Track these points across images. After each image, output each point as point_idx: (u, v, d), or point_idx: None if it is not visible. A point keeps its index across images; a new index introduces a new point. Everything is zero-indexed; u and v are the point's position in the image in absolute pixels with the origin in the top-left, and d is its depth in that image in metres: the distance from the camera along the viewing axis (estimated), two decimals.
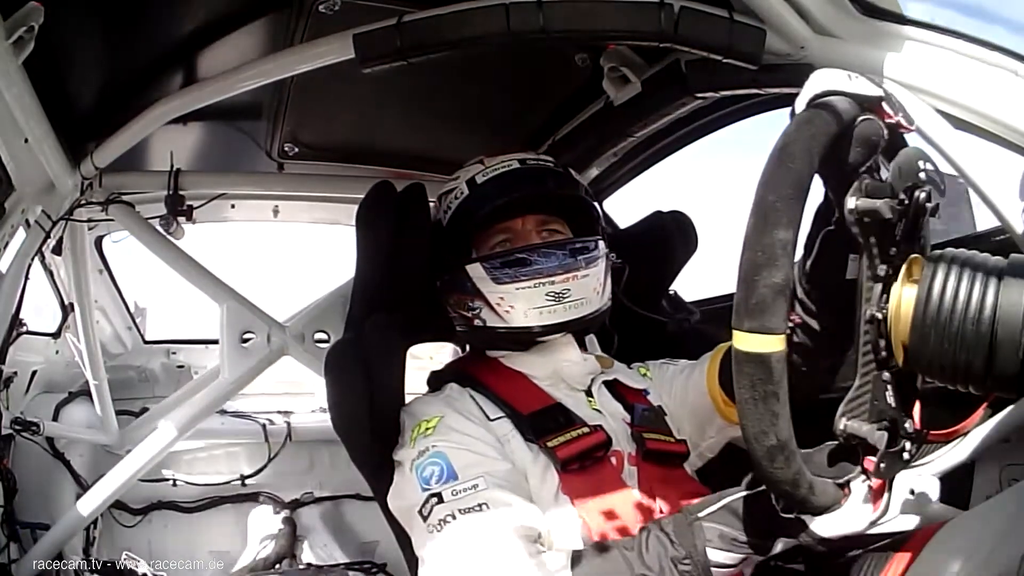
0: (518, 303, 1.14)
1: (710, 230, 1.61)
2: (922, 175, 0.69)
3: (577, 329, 1.19)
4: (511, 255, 1.17)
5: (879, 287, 0.72)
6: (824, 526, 0.78)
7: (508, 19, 1.16)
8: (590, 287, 1.17)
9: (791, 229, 0.65)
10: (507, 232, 1.20)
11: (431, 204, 1.42)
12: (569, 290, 1.14)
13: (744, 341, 0.66)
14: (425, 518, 0.97)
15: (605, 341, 1.33)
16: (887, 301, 0.70)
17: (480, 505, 0.95)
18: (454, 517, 0.94)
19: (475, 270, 1.17)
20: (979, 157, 1.00)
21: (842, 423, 0.74)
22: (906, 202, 0.67)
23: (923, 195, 0.67)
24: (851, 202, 0.72)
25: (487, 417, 1.12)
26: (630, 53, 1.42)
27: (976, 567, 0.78)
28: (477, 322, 1.19)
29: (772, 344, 0.65)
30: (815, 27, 1.07)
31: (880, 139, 0.74)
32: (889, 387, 0.71)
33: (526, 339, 1.18)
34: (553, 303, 1.13)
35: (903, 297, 0.68)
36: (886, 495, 0.74)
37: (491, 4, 1.16)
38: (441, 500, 0.96)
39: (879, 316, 0.70)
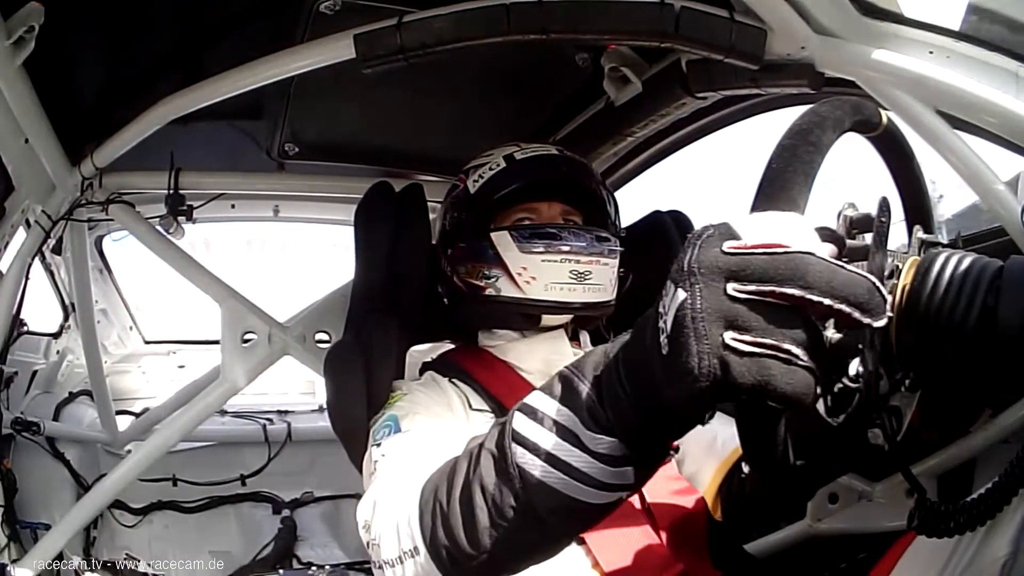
0: (541, 275, 1.15)
1: None
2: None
3: (588, 315, 1.20)
4: (542, 228, 1.18)
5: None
6: None
7: (508, 19, 1.15)
8: (607, 276, 1.20)
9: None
10: (532, 212, 1.22)
11: (430, 204, 1.43)
12: (591, 272, 1.17)
13: None
14: (371, 464, 0.98)
15: (599, 342, 1.33)
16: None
17: (410, 447, 0.95)
18: (384, 456, 0.96)
19: (501, 237, 1.18)
20: (979, 157, 1.00)
21: None
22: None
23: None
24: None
25: (470, 407, 1.12)
26: (631, 53, 1.42)
27: (960, 569, 0.78)
28: (489, 291, 1.19)
29: None
30: (815, 27, 1.07)
31: None
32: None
33: (535, 314, 1.18)
34: (574, 282, 1.15)
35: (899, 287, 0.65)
36: None
37: (491, 4, 1.16)
38: (380, 446, 0.98)
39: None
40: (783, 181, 0.58)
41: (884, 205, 0.63)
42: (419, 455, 0.90)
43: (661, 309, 0.53)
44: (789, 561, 1.41)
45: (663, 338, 0.52)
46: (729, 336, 0.49)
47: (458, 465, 0.71)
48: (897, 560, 0.87)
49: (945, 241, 0.72)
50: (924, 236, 0.69)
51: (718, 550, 1.10)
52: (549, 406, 0.64)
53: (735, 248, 0.51)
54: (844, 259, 0.59)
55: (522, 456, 0.63)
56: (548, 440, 0.62)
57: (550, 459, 0.62)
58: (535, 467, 0.62)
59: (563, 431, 0.62)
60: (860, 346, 0.55)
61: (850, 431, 0.61)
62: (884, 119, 0.72)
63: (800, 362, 0.49)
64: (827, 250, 0.53)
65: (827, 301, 0.48)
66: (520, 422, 0.65)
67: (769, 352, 0.48)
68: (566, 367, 0.66)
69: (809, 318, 0.50)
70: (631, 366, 0.58)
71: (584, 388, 0.61)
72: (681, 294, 0.51)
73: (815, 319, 0.50)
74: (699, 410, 0.55)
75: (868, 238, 0.61)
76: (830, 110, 0.65)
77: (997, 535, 0.75)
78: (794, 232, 0.52)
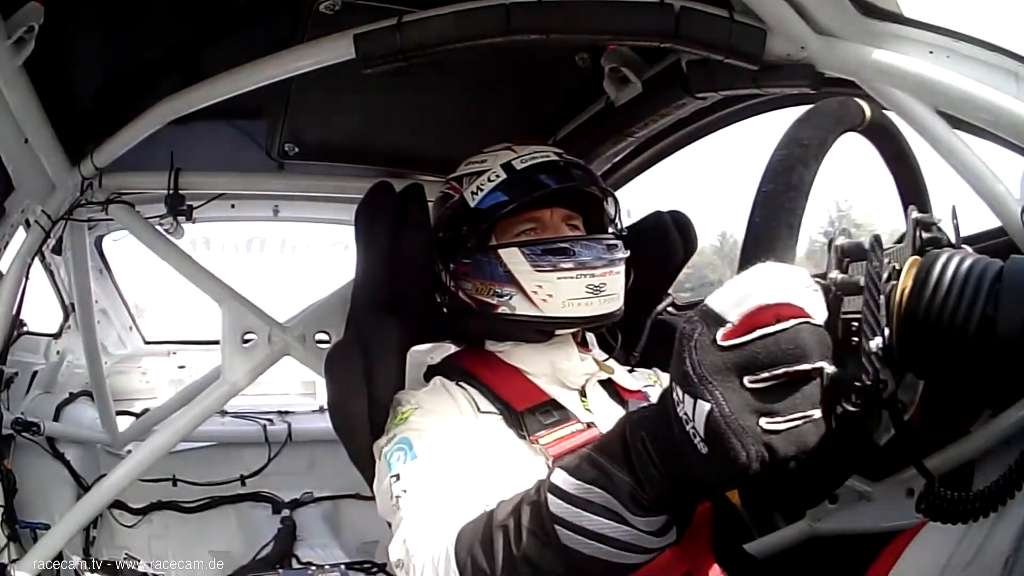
0: (558, 292, 1.13)
1: None
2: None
3: (605, 324, 1.20)
4: (553, 243, 1.16)
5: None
6: None
7: (508, 19, 1.16)
8: (619, 283, 1.19)
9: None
10: (535, 222, 1.20)
11: (430, 204, 1.43)
12: (605, 284, 1.16)
13: None
14: (391, 499, 0.98)
15: (606, 342, 1.33)
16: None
17: (430, 478, 0.96)
18: (406, 491, 0.96)
19: (512, 255, 1.15)
20: (978, 157, 1.00)
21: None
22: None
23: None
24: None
25: (478, 409, 1.12)
26: (631, 53, 1.42)
27: (962, 565, 0.78)
28: (503, 309, 1.17)
29: None
30: (815, 27, 1.07)
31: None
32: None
33: (551, 329, 1.17)
34: (591, 296, 1.14)
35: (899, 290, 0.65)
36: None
37: (491, 4, 1.16)
38: (399, 479, 0.99)
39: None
40: (766, 237, 0.61)
41: (876, 240, 0.64)
42: (442, 488, 0.94)
43: (682, 414, 0.58)
44: (789, 561, 1.41)
45: (698, 442, 0.57)
46: (764, 422, 0.54)
47: (494, 535, 0.76)
48: (900, 553, 0.87)
49: (938, 220, 0.73)
50: (919, 216, 0.69)
51: (720, 550, 1.10)
52: (585, 491, 0.69)
53: (730, 339, 0.55)
54: (838, 293, 0.62)
55: (567, 537, 0.69)
56: (593, 522, 0.68)
57: (598, 538, 0.68)
58: (584, 546, 0.68)
59: (606, 512, 0.67)
60: (856, 383, 0.58)
61: (852, 441, 0.63)
62: (868, 113, 0.73)
63: (817, 415, 0.55)
64: (813, 298, 0.56)
65: (829, 366, 0.54)
66: (558, 507, 0.70)
67: (800, 423, 0.54)
68: (590, 451, 0.71)
69: (813, 377, 0.55)
70: (666, 460, 0.63)
71: (622, 476, 0.66)
72: (704, 405, 0.55)
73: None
74: (745, 483, 0.61)
75: (860, 267, 0.63)
76: (811, 134, 0.66)
77: (1000, 532, 0.75)
78: (770, 287, 0.55)
